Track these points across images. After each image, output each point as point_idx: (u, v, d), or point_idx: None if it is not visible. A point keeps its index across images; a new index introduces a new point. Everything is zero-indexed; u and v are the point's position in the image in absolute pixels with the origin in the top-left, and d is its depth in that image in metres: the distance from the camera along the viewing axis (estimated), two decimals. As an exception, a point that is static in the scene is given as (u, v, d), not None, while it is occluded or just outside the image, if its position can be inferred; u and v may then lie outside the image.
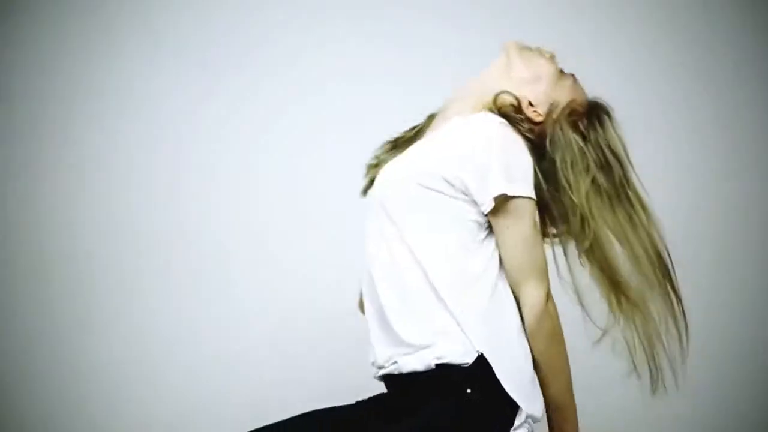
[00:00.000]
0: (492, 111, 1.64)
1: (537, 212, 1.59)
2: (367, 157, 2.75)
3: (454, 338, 1.53)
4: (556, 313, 1.60)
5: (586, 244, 1.60)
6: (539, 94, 1.65)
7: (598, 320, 1.67)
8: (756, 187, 2.83)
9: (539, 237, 1.59)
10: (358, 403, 1.72)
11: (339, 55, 2.82)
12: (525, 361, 1.57)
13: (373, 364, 1.66)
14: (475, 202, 1.55)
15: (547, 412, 1.65)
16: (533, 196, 1.56)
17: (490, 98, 1.65)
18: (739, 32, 2.85)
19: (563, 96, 1.66)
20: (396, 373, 1.60)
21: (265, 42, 2.84)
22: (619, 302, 1.63)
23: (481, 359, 1.52)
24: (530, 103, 1.65)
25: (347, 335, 2.63)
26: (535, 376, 1.59)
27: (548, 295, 1.58)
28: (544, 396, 1.61)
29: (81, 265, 2.75)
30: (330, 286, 2.67)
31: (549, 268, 1.63)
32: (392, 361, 1.59)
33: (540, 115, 1.65)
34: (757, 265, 2.83)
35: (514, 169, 1.53)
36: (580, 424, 1.66)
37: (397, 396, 1.65)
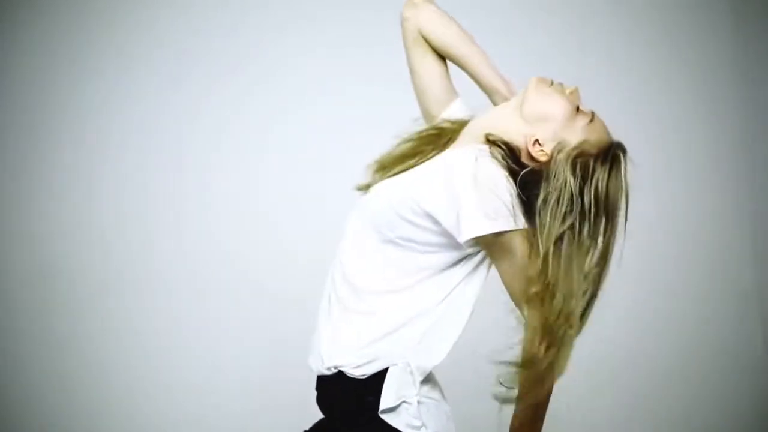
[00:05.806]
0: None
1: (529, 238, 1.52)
2: (366, 157, 2.79)
3: (355, 351, 1.56)
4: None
5: (533, 290, 1.52)
6: (548, 133, 1.60)
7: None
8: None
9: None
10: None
11: (339, 56, 2.83)
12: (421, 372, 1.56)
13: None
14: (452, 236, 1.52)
15: None
16: (519, 226, 1.51)
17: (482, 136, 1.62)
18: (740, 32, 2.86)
19: (574, 136, 1.60)
20: (317, 372, 1.63)
21: (265, 43, 2.85)
22: (540, 348, 1.53)
23: (381, 373, 1.54)
24: (537, 141, 1.60)
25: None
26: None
27: None
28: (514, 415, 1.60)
29: (80, 265, 2.77)
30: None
31: None
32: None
33: (545, 154, 1.60)
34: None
35: (491, 206, 1.48)
36: None
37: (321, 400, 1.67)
